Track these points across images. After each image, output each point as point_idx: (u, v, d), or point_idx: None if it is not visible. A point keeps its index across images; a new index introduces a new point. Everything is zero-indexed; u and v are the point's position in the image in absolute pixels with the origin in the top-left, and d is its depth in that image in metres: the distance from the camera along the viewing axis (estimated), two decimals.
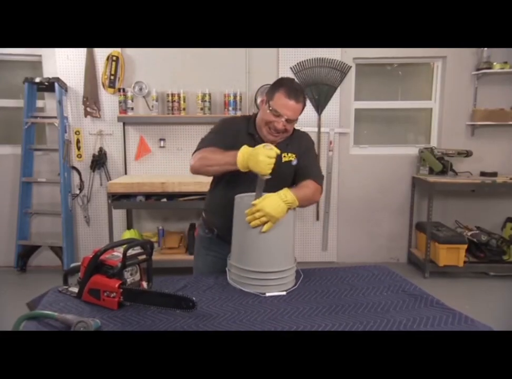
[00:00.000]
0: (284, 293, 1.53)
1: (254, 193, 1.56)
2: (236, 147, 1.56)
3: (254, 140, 1.74)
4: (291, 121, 1.67)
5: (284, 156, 1.75)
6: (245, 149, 1.51)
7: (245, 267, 1.54)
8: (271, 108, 1.65)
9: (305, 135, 1.88)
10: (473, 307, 2.93)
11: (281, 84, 1.67)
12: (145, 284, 1.51)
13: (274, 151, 1.48)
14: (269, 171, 1.47)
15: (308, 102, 4.01)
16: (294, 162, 1.77)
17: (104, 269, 1.41)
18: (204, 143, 1.72)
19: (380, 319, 1.32)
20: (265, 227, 1.48)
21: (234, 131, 1.76)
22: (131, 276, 1.45)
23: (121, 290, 1.38)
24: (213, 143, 1.69)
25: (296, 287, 1.58)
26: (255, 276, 1.52)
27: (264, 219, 1.47)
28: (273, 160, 1.47)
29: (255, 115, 1.79)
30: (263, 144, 1.51)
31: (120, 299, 1.38)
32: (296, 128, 1.82)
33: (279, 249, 1.55)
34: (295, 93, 1.64)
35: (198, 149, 1.71)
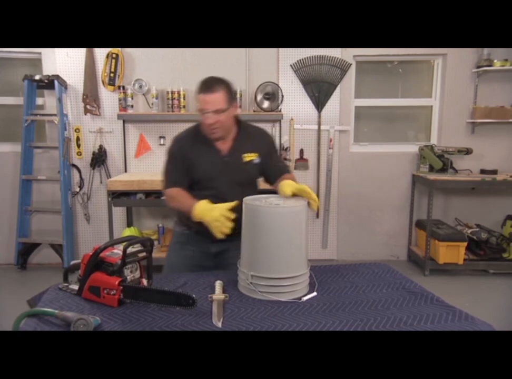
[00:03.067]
0: (315, 293, 1.52)
1: (262, 196, 1.62)
2: (198, 163, 1.77)
3: (209, 145, 1.81)
4: (217, 112, 1.70)
5: (245, 157, 1.82)
6: (199, 207, 1.61)
7: (259, 274, 1.47)
8: (198, 110, 1.74)
9: (266, 134, 1.96)
10: (473, 304, 2.94)
11: (198, 87, 1.74)
12: (145, 281, 1.51)
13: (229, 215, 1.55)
14: (222, 235, 1.56)
15: (308, 100, 4.01)
16: (257, 161, 1.85)
17: (104, 267, 1.41)
18: (167, 182, 1.84)
19: (381, 317, 1.32)
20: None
21: (185, 156, 1.80)
22: (131, 274, 1.45)
23: (121, 287, 1.38)
24: (173, 182, 1.81)
25: (315, 294, 1.52)
26: (271, 283, 1.47)
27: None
28: (228, 224, 1.54)
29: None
30: (223, 207, 1.56)
31: (120, 297, 1.38)
32: (256, 125, 1.94)
33: (293, 253, 1.50)
34: (207, 86, 1.71)
35: (165, 187, 1.84)
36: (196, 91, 1.76)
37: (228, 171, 1.80)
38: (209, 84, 1.71)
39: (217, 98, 1.69)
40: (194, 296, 1.30)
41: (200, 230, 1.78)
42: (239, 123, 1.88)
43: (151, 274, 1.54)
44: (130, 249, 1.43)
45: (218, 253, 1.89)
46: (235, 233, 1.58)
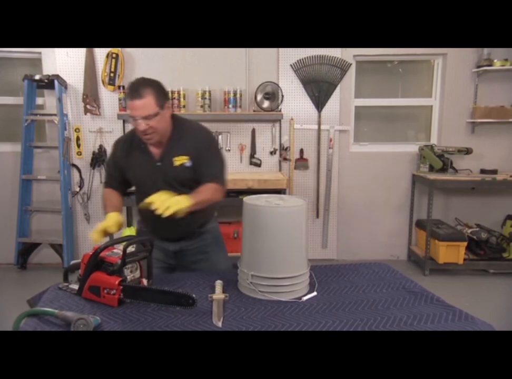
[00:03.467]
0: (315, 293, 1.51)
1: (263, 196, 1.60)
2: (132, 169, 1.80)
3: (143, 151, 1.77)
4: (147, 118, 1.62)
5: (176, 160, 1.73)
6: (109, 216, 1.72)
7: (259, 274, 1.47)
8: (129, 116, 1.69)
9: (200, 133, 1.81)
10: (473, 304, 2.93)
11: (126, 92, 1.69)
12: (145, 281, 1.51)
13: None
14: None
15: (308, 100, 4.01)
16: (188, 164, 1.74)
17: (104, 266, 1.41)
18: (104, 182, 1.97)
19: (381, 316, 1.32)
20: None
21: (118, 162, 1.84)
22: (131, 273, 1.45)
23: (121, 287, 1.38)
24: (107, 183, 1.92)
25: (315, 293, 1.51)
26: (271, 283, 1.46)
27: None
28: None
29: None
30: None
31: (120, 296, 1.38)
32: (195, 123, 1.84)
33: (293, 253, 1.50)
34: (134, 92, 1.62)
35: (104, 182, 1.96)
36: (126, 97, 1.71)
37: (160, 176, 1.74)
38: (136, 89, 1.62)
39: (145, 104, 1.60)
40: (194, 295, 1.30)
41: (155, 229, 1.83)
42: (174, 123, 1.77)
43: (152, 274, 1.54)
44: (130, 249, 1.43)
45: (177, 252, 1.88)
46: None
